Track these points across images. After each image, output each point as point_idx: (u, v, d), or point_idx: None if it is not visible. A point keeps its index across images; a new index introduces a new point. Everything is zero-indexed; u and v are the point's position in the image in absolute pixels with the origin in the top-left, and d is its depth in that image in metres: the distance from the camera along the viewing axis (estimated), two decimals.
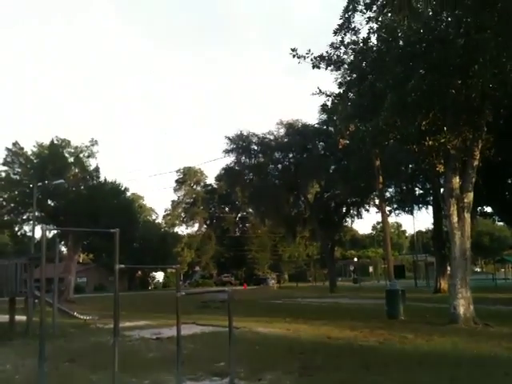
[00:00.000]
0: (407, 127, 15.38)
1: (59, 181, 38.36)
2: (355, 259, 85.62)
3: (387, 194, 37.89)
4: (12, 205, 42.94)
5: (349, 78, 16.99)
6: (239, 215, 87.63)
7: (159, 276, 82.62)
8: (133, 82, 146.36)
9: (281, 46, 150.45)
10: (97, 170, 46.01)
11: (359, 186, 37.43)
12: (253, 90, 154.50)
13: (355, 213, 50.96)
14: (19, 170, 43.24)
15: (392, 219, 59.34)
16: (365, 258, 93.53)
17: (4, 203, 43.22)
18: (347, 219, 53.10)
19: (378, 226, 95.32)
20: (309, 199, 49.37)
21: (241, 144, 46.01)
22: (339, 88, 17.35)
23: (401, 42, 14.70)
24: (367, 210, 49.67)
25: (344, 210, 50.99)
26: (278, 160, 46.75)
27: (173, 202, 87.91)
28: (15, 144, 43.40)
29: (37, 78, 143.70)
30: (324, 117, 40.67)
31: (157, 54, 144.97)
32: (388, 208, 38.44)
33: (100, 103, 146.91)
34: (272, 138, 46.34)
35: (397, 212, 41.77)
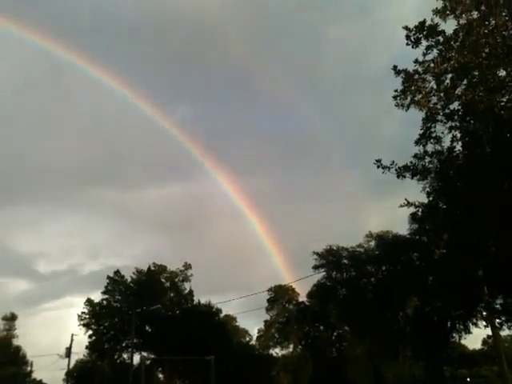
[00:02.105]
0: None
1: (156, 306, 39.41)
2: (468, 379, 77.18)
3: (496, 306, 34.76)
4: (112, 332, 44.27)
5: (437, 187, 16.69)
6: (335, 333, 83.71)
7: None
8: None
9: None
10: (190, 293, 47.00)
11: (462, 298, 34.83)
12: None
13: (462, 327, 46.89)
14: (119, 298, 45.13)
15: (505, 332, 53.74)
16: (478, 378, 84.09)
17: (104, 331, 44.69)
18: (454, 334, 48.83)
19: (490, 341, 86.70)
20: (408, 314, 46.46)
21: (331, 259, 45.39)
22: (428, 197, 17.05)
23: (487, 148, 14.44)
24: (475, 324, 45.55)
25: (449, 324, 47.17)
26: (370, 273, 45.25)
27: (266, 322, 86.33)
28: (116, 272, 45.84)
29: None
30: (415, 226, 39.48)
31: None
32: (498, 320, 35.09)
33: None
34: (362, 250, 45.39)
35: (509, 324, 37.94)
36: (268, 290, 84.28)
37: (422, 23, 15.63)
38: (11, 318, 62.72)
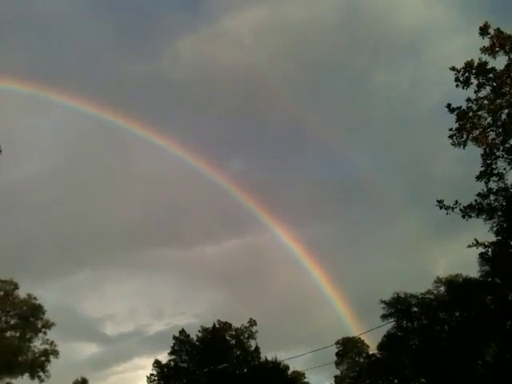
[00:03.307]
0: None
1: (223, 365, 39.06)
2: None
3: None
4: None
5: (505, 226, 16.06)
6: None
7: None
8: None
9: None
10: (257, 350, 46.34)
11: None
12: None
13: None
14: (186, 358, 45.13)
15: None
16: None
17: None
18: None
19: None
20: (488, 361, 43.60)
21: (399, 307, 43.84)
22: (496, 236, 16.39)
23: None
24: None
25: None
26: (443, 320, 43.20)
27: (336, 377, 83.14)
28: (182, 332, 46.07)
29: None
30: (486, 268, 37.73)
31: None
32: None
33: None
34: (432, 297, 43.66)
35: None
36: (336, 343, 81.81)
37: (470, 63, 15.58)
38: (82, 383, 63.61)
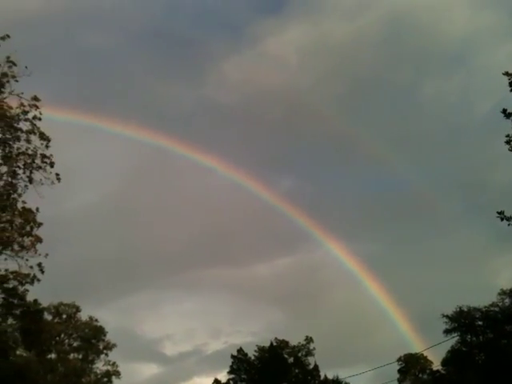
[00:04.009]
0: None
1: None
2: None
3: None
4: None
5: None
6: None
7: None
8: None
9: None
10: (316, 368, 45.70)
11: None
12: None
13: None
14: (244, 377, 45.02)
15: None
16: None
17: None
18: None
19: None
20: None
21: (463, 321, 42.19)
22: None
23: None
24: None
25: None
26: (509, 333, 41.20)
27: None
28: (239, 351, 46.07)
29: None
30: None
31: None
32: None
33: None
34: (497, 309, 41.76)
35: None
36: (398, 360, 79.40)
37: None
38: None
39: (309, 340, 46.99)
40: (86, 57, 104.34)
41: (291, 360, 46.03)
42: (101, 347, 42.87)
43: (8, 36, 20.95)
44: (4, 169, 21.53)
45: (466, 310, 42.58)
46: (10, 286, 21.37)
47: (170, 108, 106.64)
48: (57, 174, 21.80)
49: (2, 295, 21.50)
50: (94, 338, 42.42)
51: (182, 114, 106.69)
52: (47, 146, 21.59)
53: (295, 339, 50.39)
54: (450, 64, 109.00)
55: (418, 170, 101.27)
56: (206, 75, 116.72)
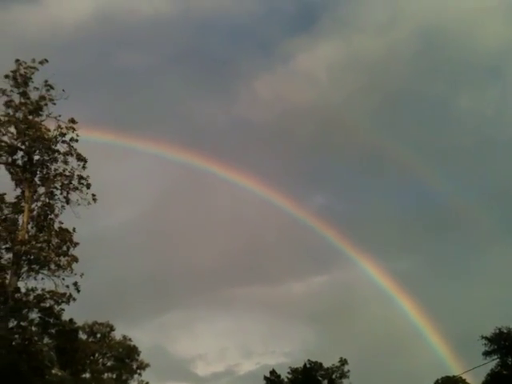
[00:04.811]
0: None
1: None
2: None
3: None
4: None
5: None
6: None
7: None
8: None
9: None
10: None
11: None
12: None
13: None
14: None
15: None
16: None
17: None
18: None
19: None
20: None
21: (503, 343, 40.66)
22: None
23: None
24: None
25: None
26: None
27: None
28: (272, 373, 45.57)
29: None
30: None
31: None
32: None
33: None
34: None
35: None
36: (435, 383, 76.93)
37: None
38: None
39: (343, 362, 46.10)
40: (120, 78, 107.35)
41: (325, 383, 45.16)
42: (134, 367, 42.93)
43: (46, 60, 21.75)
44: (42, 190, 22.15)
45: (505, 331, 41.08)
46: (47, 305, 21.66)
47: (202, 127, 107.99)
48: (93, 195, 22.30)
49: (39, 314, 21.74)
50: (127, 357, 42.53)
51: (214, 132, 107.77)
52: (84, 167, 22.09)
53: (329, 360, 49.50)
54: (485, 76, 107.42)
55: (454, 184, 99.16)
56: (238, 93, 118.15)
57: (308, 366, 45.62)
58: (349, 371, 46.49)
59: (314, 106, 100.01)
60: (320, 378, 45.54)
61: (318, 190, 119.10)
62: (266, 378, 45.70)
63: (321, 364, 46.00)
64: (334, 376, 45.65)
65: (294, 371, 45.93)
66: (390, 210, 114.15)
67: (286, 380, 45.47)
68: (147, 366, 43.12)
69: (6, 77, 21.20)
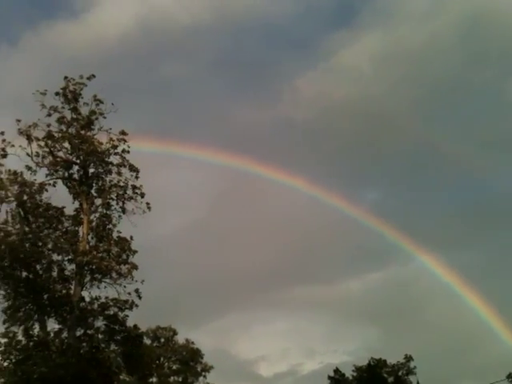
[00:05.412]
0: None
1: None
2: None
3: None
4: None
5: None
6: None
7: None
8: None
9: None
10: None
11: None
12: None
13: None
14: None
15: None
16: None
17: None
18: None
19: None
20: None
21: None
22: None
23: None
24: None
25: None
26: None
27: None
28: (336, 371, 45.08)
29: None
30: None
31: None
32: None
33: None
34: None
35: None
36: (507, 377, 73.75)
37: None
38: None
39: (408, 358, 44.96)
40: (163, 87, 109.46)
41: (391, 379, 44.18)
42: (199, 369, 43.53)
43: (93, 76, 22.32)
44: (99, 201, 22.75)
45: None
46: (111, 312, 22.21)
47: (248, 130, 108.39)
48: (147, 204, 22.72)
49: (104, 322, 22.33)
50: (191, 360, 43.19)
51: (259, 135, 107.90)
52: (137, 177, 22.57)
53: (393, 358, 48.38)
54: None
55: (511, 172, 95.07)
56: (281, 94, 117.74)
57: (372, 363, 44.80)
58: (415, 367, 45.34)
59: (358, 100, 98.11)
60: (386, 376, 44.60)
61: (369, 186, 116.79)
62: (330, 377, 45.26)
63: (385, 361, 45.06)
64: (400, 373, 44.59)
65: (358, 369, 45.25)
66: (444, 202, 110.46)
67: (350, 378, 44.83)
68: (211, 368, 43.64)
69: (57, 94, 21.81)
